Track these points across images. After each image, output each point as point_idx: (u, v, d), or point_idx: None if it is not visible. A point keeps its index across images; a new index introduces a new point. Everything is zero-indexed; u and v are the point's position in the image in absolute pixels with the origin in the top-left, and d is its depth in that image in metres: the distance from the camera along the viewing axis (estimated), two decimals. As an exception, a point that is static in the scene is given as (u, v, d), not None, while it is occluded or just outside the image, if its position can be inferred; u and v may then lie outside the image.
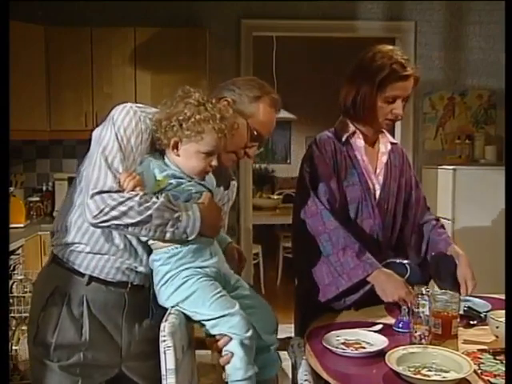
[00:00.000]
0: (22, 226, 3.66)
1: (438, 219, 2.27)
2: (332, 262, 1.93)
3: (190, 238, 1.52)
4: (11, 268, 3.18)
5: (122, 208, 1.44)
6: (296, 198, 2.12)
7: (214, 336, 1.54)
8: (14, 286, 3.13)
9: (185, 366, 1.56)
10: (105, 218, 1.44)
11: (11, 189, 3.94)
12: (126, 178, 1.47)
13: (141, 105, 1.61)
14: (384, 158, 2.13)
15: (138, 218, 1.45)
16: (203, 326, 1.55)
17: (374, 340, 1.65)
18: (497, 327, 1.66)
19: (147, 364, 1.62)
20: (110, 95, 4.05)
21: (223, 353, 1.52)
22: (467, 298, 2.02)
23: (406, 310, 1.75)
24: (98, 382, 1.63)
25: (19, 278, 3.18)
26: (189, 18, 4.27)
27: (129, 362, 1.65)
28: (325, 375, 1.48)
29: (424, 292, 1.64)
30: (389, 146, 2.16)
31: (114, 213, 1.44)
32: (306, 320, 1.94)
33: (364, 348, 1.61)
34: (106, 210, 1.43)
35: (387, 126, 2.07)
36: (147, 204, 1.46)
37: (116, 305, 1.61)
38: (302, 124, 8.18)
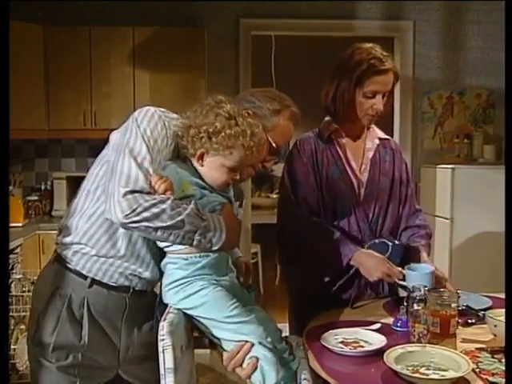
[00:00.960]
0: (20, 225, 3.66)
1: (420, 226, 2.17)
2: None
3: (214, 249, 1.50)
4: (10, 267, 3.18)
5: (155, 210, 1.41)
6: (278, 198, 2.17)
7: (223, 348, 1.54)
8: (12, 286, 3.13)
9: (184, 365, 1.56)
10: (136, 218, 1.41)
11: (10, 188, 3.94)
12: (158, 180, 1.45)
13: (163, 109, 1.59)
14: (370, 154, 2.12)
15: (169, 223, 1.42)
16: (208, 338, 1.56)
17: (373, 339, 1.65)
18: (495, 326, 1.66)
19: (144, 367, 1.63)
20: (108, 94, 4.06)
21: (246, 361, 1.50)
22: (467, 294, 2.02)
23: (405, 309, 1.75)
24: (96, 383, 1.63)
25: (17, 277, 3.18)
26: (188, 18, 4.27)
27: (126, 366, 1.65)
28: (323, 374, 1.48)
29: (423, 291, 1.65)
30: (377, 142, 2.15)
31: (147, 214, 1.40)
32: (302, 319, 1.94)
33: (362, 347, 1.61)
34: (139, 210, 1.40)
35: (369, 121, 2.07)
36: (179, 209, 1.44)
37: (116, 308, 1.60)
38: (301, 123, 8.17)
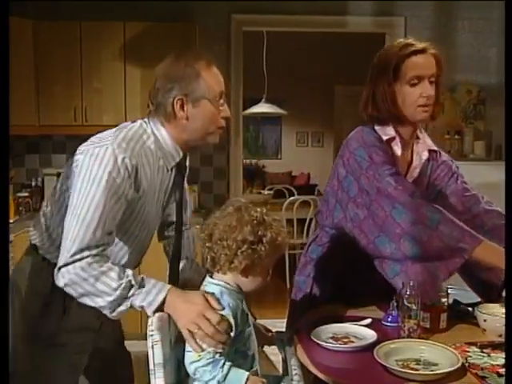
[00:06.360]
0: (10, 221, 3.64)
1: None
2: (444, 231, 1.68)
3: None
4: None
5: (100, 286, 1.47)
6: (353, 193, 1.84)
7: None
8: (2, 282, 3.13)
9: (173, 360, 1.56)
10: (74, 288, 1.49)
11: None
12: None
13: (125, 143, 1.59)
14: (415, 172, 1.95)
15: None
16: None
17: (363, 334, 1.66)
18: (484, 320, 1.67)
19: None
20: (99, 90, 4.04)
21: None
22: (457, 289, 2.03)
23: (395, 304, 1.75)
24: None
25: (8, 273, 3.17)
26: (179, 13, 4.25)
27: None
28: (314, 370, 1.48)
29: (413, 286, 1.65)
30: (425, 156, 1.97)
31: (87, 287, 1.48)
32: (297, 315, 1.94)
33: (353, 342, 1.61)
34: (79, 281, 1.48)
35: (423, 114, 1.86)
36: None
37: None
38: (292, 119, 8.18)
